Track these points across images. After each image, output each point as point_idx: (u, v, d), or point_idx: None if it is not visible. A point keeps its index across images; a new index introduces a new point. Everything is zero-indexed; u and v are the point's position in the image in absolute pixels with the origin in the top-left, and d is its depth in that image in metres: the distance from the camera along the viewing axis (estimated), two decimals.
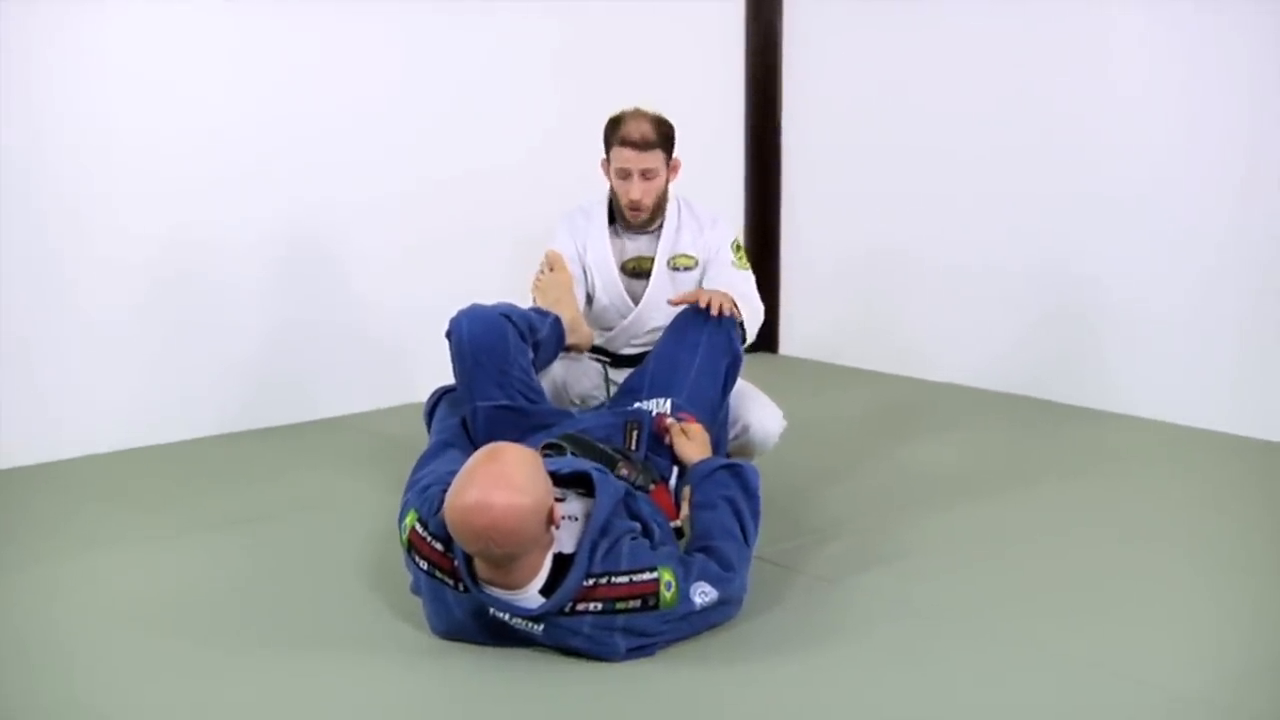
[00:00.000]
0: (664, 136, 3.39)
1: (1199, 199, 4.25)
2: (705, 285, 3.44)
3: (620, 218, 3.50)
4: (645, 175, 3.37)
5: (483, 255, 4.79)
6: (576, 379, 3.54)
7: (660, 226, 3.50)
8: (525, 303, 3.43)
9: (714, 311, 3.15)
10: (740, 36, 5.49)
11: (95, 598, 2.93)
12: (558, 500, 2.54)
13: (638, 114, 3.40)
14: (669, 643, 2.56)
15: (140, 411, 4.19)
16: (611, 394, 3.45)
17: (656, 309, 3.49)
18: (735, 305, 3.22)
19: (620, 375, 3.48)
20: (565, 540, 2.51)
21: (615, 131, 3.39)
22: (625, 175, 3.39)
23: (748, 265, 3.53)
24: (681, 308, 3.26)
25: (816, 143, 5.45)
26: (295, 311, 4.49)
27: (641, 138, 3.34)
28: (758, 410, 3.37)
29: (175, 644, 2.67)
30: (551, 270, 3.45)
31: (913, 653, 2.60)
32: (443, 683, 2.50)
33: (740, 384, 3.32)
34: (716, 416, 3.16)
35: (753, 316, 3.36)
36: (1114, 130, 4.43)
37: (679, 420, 2.99)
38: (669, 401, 3.06)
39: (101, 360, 4.11)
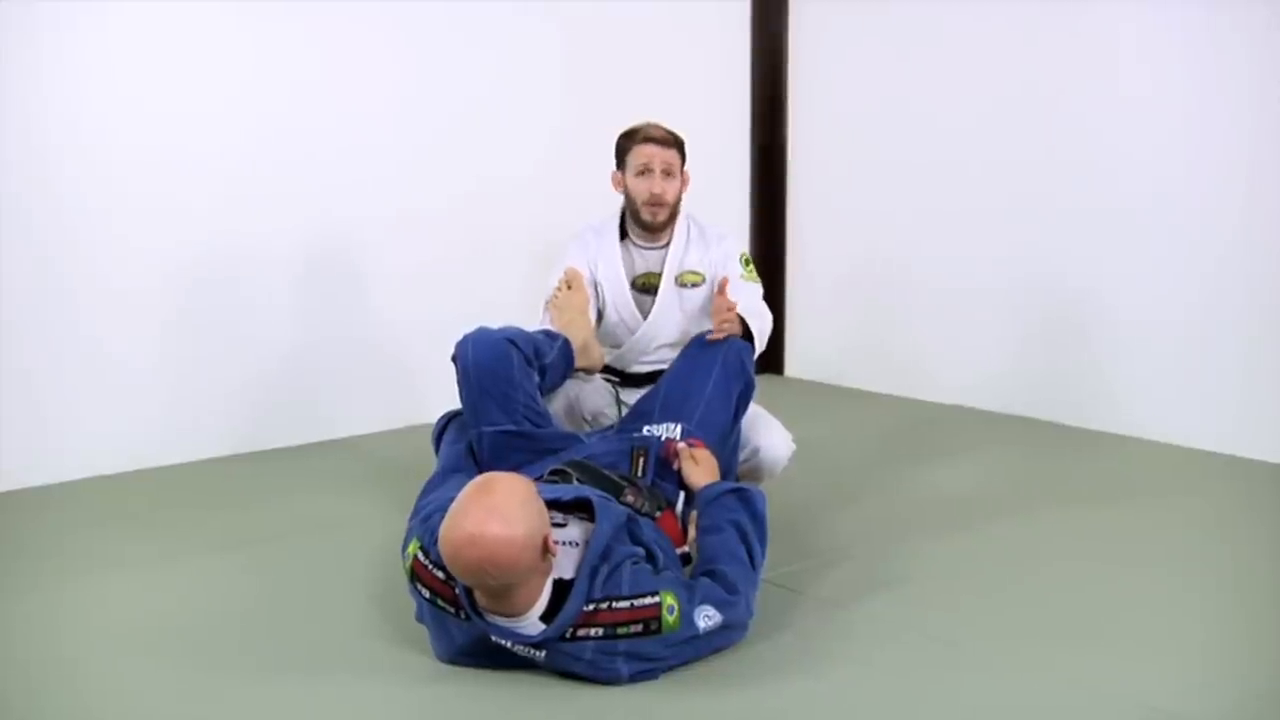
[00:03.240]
0: (679, 142, 3.51)
1: (1204, 213, 4.23)
2: (717, 298, 3.47)
3: (635, 226, 3.54)
4: (666, 172, 3.45)
5: (494, 272, 4.82)
6: (589, 396, 3.56)
7: (669, 243, 3.54)
8: (536, 322, 3.46)
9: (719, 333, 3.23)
10: (746, 52, 5.51)
11: (99, 621, 2.94)
12: (558, 526, 2.56)
13: (652, 123, 3.52)
14: (673, 667, 2.55)
15: (148, 433, 4.20)
16: (622, 414, 3.46)
17: (664, 324, 3.53)
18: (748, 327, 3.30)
19: (631, 396, 3.50)
20: (565, 566, 2.51)
21: (633, 136, 3.50)
22: (647, 171, 3.45)
23: (757, 278, 3.57)
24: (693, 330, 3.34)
25: (824, 159, 5.45)
26: (303, 332, 4.51)
27: (662, 136, 3.47)
28: (768, 434, 3.38)
29: (180, 668, 2.67)
30: (569, 288, 3.48)
31: (919, 677, 2.60)
32: (448, 708, 2.50)
33: (751, 407, 3.34)
34: (727, 443, 3.17)
35: (762, 326, 3.40)
36: (1121, 145, 4.42)
37: (689, 446, 2.99)
38: (679, 427, 3.07)
39: (109, 382, 4.12)
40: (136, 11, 4.07)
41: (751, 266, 3.56)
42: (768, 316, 3.47)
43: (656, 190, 3.44)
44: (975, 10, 4.83)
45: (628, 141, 3.50)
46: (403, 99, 4.63)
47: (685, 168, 3.52)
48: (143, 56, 4.10)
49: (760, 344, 3.37)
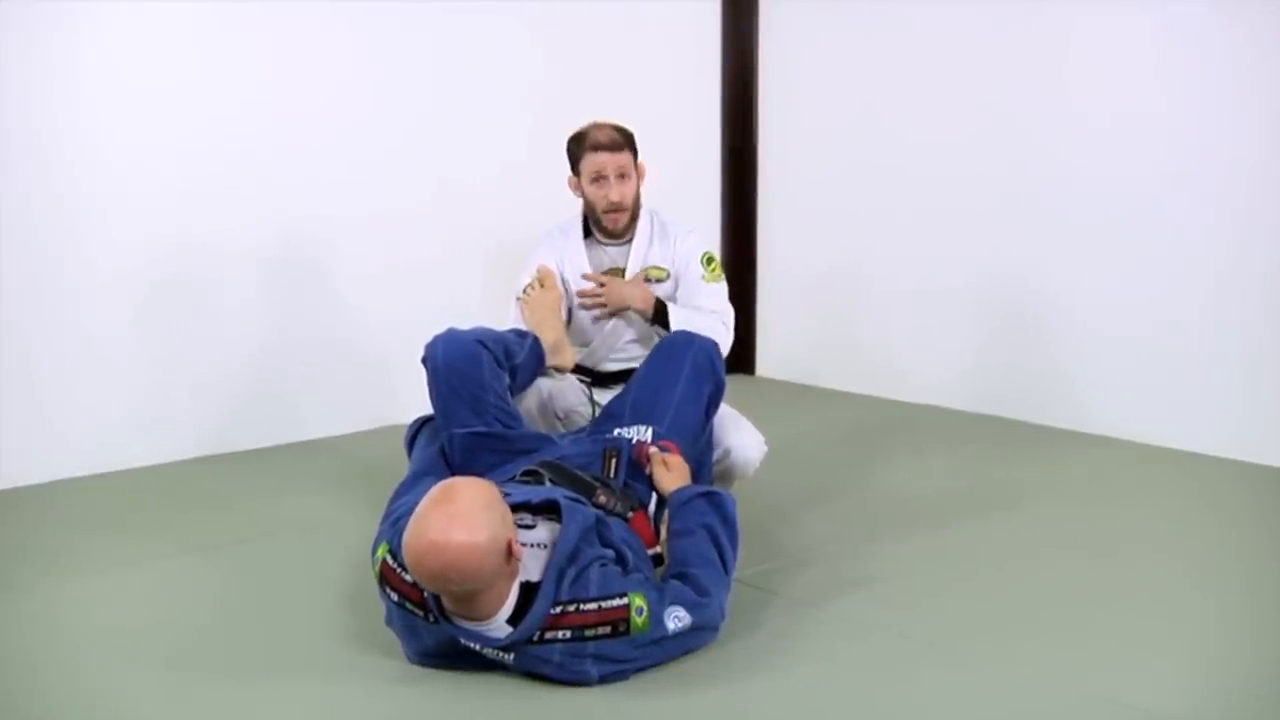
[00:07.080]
0: (629, 139, 3.52)
1: (1201, 213, 4.19)
2: (679, 301, 3.53)
3: (598, 228, 3.57)
4: (621, 176, 3.47)
5: (467, 272, 4.82)
6: (562, 393, 3.57)
7: (632, 239, 3.58)
8: (507, 321, 3.47)
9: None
10: (716, 54, 5.51)
11: (72, 625, 2.93)
12: (527, 528, 2.56)
13: (599, 124, 3.53)
14: (643, 668, 2.56)
15: (118, 435, 4.18)
16: (596, 413, 3.47)
17: (631, 320, 3.56)
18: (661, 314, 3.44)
19: (604, 396, 3.50)
20: (533, 569, 2.51)
21: (582, 143, 3.51)
22: (601, 179, 3.47)
23: (720, 277, 3.59)
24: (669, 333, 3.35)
25: (794, 161, 5.45)
26: (276, 333, 4.49)
27: (610, 140, 3.48)
28: (739, 435, 3.39)
29: (151, 670, 2.67)
30: (541, 286, 3.49)
31: (892, 676, 2.61)
32: (421, 709, 2.50)
33: (723, 408, 3.34)
34: (698, 443, 3.17)
35: (698, 320, 3.41)
36: (1107, 144, 4.39)
37: (661, 450, 2.99)
38: (650, 430, 3.06)
39: (81, 384, 4.11)
40: (118, 12, 4.07)
41: (715, 265, 3.59)
42: (727, 315, 3.50)
43: (614, 198, 3.48)
44: (946, 11, 4.83)
45: (578, 147, 3.52)
46: (374, 98, 4.62)
47: (639, 161, 3.54)
48: (118, 54, 4.08)
49: (695, 328, 3.31)
